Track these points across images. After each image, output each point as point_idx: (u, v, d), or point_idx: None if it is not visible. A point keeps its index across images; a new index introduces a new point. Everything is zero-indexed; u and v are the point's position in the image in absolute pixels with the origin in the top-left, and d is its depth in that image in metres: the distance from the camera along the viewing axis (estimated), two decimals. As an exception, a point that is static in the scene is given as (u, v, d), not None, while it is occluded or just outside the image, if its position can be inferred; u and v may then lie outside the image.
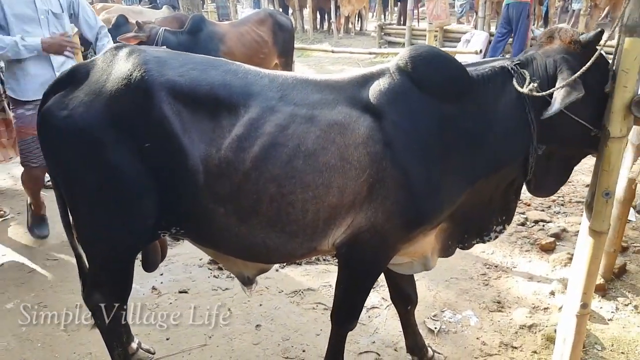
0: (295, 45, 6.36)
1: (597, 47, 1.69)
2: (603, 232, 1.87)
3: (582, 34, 1.71)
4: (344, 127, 1.65)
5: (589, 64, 1.59)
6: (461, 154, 1.71)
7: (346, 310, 1.98)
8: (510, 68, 1.74)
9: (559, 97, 1.61)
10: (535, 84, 1.66)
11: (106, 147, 1.65)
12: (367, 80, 1.75)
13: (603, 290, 2.89)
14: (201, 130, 1.64)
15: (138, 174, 1.67)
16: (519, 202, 3.94)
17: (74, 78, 1.73)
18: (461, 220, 1.87)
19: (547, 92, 1.65)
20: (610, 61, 1.73)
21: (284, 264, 3.12)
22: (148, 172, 1.67)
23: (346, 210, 1.70)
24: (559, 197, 4.12)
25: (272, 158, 1.63)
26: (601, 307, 2.78)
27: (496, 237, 1.95)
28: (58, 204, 1.93)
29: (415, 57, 1.72)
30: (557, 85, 1.64)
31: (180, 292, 2.93)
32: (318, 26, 13.52)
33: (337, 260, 1.95)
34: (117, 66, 1.69)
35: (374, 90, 1.70)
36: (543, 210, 3.92)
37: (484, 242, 1.96)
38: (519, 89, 1.66)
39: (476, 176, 1.75)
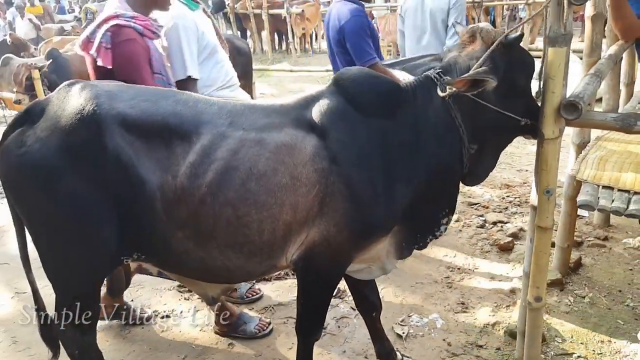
0: (255, 67, 6.47)
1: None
2: (548, 228, 2.00)
3: (503, 33, 1.81)
4: (292, 147, 1.75)
5: (489, 51, 1.72)
6: (401, 163, 1.82)
7: (309, 321, 2.06)
8: (432, 76, 1.85)
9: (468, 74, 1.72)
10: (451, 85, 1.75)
11: (63, 180, 1.70)
12: (308, 102, 1.85)
13: (561, 285, 3.03)
14: (156, 159, 1.71)
15: (96, 204, 1.72)
16: (478, 205, 4.15)
17: (30, 116, 1.78)
18: (410, 222, 1.96)
19: (460, 77, 1.72)
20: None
21: (253, 281, 3.17)
22: (106, 202, 1.72)
23: (300, 226, 1.79)
24: (516, 198, 4.30)
25: (226, 182, 1.70)
26: (559, 301, 2.91)
27: (445, 229, 2.04)
28: (17, 237, 1.98)
29: (345, 79, 1.85)
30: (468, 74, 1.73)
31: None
32: (276, 47, 13.71)
33: (294, 274, 2.02)
34: (70, 102, 1.74)
35: (316, 112, 1.81)
36: (501, 212, 4.08)
37: (436, 237, 2.05)
38: (440, 93, 1.77)
39: (418, 182, 1.86)
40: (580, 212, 3.66)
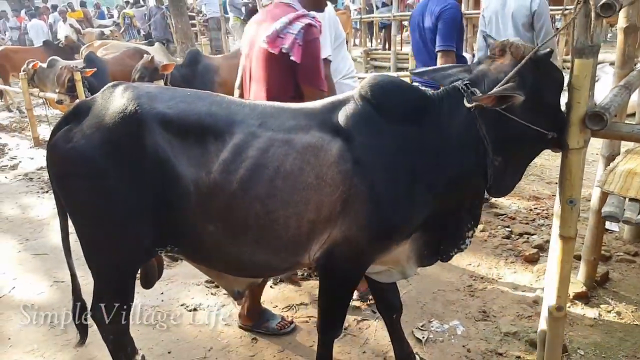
0: (285, 73, 6.59)
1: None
2: (571, 238, 2.01)
3: (533, 49, 1.83)
4: (318, 148, 1.82)
5: (518, 67, 1.75)
6: (423, 169, 1.86)
7: (329, 319, 2.12)
8: (460, 88, 1.89)
9: (495, 89, 1.76)
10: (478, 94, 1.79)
11: (105, 173, 1.82)
12: (335, 106, 1.93)
13: (586, 298, 3.00)
14: (191, 156, 1.81)
15: (135, 197, 1.83)
16: (504, 215, 4.14)
17: (77, 114, 1.91)
18: (432, 229, 2.00)
19: (487, 94, 1.76)
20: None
21: (277, 280, 3.26)
22: (144, 195, 1.83)
23: (323, 225, 1.86)
24: (543, 210, 4.27)
25: (255, 179, 1.79)
26: (584, 314, 2.89)
27: (470, 242, 2.07)
28: (61, 227, 2.11)
29: (372, 86, 1.90)
30: (495, 89, 1.78)
31: (179, 307, 3.06)
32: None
33: (317, 276, 2.09)
34: (113, 101, 1.86)
35: (342, 116, 1.88)
36: (527, 223, 4.06)
37: (461, 250, 2.08)
38: (467, 104, 1.82)
39: (439, 189, 1.89)
40: (610, 226, 3.64)
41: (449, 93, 1.93)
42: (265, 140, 1.82)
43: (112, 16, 18.97)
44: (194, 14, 13.88)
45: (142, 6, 16.11)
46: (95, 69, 5.84)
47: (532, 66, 1.80)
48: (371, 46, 11.94)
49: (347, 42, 12.00)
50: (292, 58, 2.29)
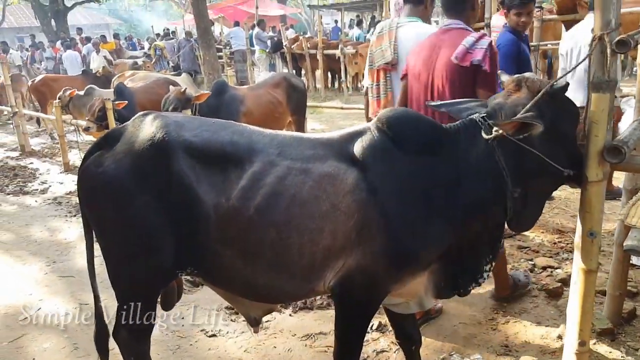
0: (308, 104, 6.73)
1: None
2: (592, 270, 2.00)
3: (548, 83, 1.86)
4: (334, 178, 1.87)
5: (536, 98, 1.79)
6: (440, 201, 1.88)
7: (345, 349, 2.10)
8: (477, 120, 1.93)
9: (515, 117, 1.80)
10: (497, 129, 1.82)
11: (132, 197, 1.91)
12: (352, 137, 1.98)
13: (612, 335, 2.93)
14: (212, 182, 1.88)
15: (159, 220, 1.91)
16: (527, 249, 4.09)
17: (109, 140, 2.03)
18: (450, 262, 2.00)
19: (509, 119, 1.80)
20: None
21: (297, 309, 3.27)
22: (168, 219, 1.91)
23: (338, 253, 1.88)
24: (568, 244, 4.20)
25: (272, 205, 1.85)
26: (610, 352, 2.82)
27: (487, 276, 2.07)
28: (87, 248, 2.19)
29: (389, 118, 1.95)
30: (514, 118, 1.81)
31: (199, 333, 3.09)
32: (329, 85, 14.09)
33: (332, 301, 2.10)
34: (143, 129, 1.97)
35: (358, 146, 1.93)
36: (551, 257, 3.99)
37: (479, 284, 2.08)
38: (485, 136, 1.85)
39: (456, 221, 1.91)
40: (637, 261, 3.57)
41: (467, 125, 1.96)
42: (283, 168, 1.88)
43: (142, 47, 19.63)
44: (221, 47, 14.29)
45: (172, 39, 16.67)
46: (127, 102, 6.03)
47: (548, 100, 1.83)
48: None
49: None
50: (484, 68, 2.64)
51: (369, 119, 3.69)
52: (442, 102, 2.30)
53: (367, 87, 3.52)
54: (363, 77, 13.33)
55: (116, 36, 20.28)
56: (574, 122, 1.93)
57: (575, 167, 1.88)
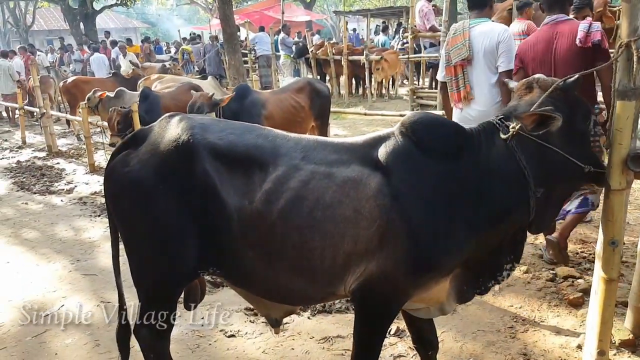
0: (332, 109, 6.75)
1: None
2: (612, 280, 1.98)
3: (559, 81, 1.87)
4: (357, 182, 1.88)
5: (547, 92, 1.81)
6: (463, 205, 1.88)
7: (363, 353, 2.10)
8: (495, 122, 1.94)
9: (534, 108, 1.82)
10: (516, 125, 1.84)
11: (157, 197, 1.95)
12: (376, 142, 1.99)
13: (633, 346, 2.87)
14: (236, 184, 1.91)
15: (183, 220, 1.95)
16: (549, 258, 4.03)
17: (135, 140, 2.07)
18: (473, 266, 1.99)
19: (527, 112, 1.82)
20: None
21: (315, 312, 3.28)
22: (191, 219, 1.94)
23: (359, 258, 1.89)
24: (590, 254, 4.13)
25: (295, 209, 1.87)
26: (631, 364, 2.78)
27: (508, 275, 2.05)
28: (112, 246, 2.24)
29: (413, 123, 1.96)
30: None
31: (218, 333, 3.12)
32: (353, 91, 14.10)
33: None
34: (169, 131, 2.01)
35: (382, 151, 1.93)
36: (573, 267, 3.93)
37: (498, 282, 2.07)
38: (503, 136, 1.86)
39: (481, 225, 1.90)
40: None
41: (485, 128, 1.97)
42: (307, 172, 1.90)
43: (169, 52, 19.91)
44: (246, 52, 14.45)
45: (198, 43, 16.91)
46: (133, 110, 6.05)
47: (561, 95, 1.84)
48: (418, 85, 12.07)
49: (396, 81, 12.06)
50: (602, 46, 3.22)
51: (449, 110, 4.13)
52: None
53: (445, 82, 4.12)
54: (389, 83, 13.29)
55: (147, 39, 20.46)
56: (587, 118, 1.92)
57: (594, 165, 1.87)
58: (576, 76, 1.90)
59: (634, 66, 1.74)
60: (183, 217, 1.94)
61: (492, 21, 4.03)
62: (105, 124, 6.75)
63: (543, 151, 1.84)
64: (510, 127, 1.84)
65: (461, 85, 3.94)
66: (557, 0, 3.51)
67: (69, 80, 10.40)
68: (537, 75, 1.95)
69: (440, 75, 4.28)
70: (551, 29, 3.47)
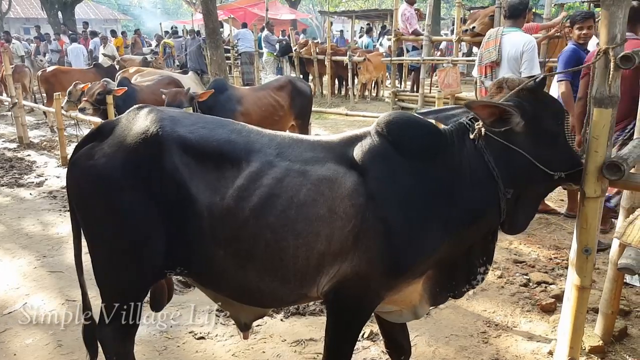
0: (313, 109, 6.70)
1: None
2: (585, 287, 1.98)
3: (528, 81, 1.88)
4: (332, 181, 1.84)
5: (513, 92, 1.81)
6: (437, 204, 1.87)
7: (335, 357, 2.07)
8: (465, 123, 1.93)
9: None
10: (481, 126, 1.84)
11: (123, 193, 1.87)
12: (352, 141, 1.95)
13: (602, 353, 2.89)
14: (207, 180, 1.85)
15: (150, 217, 1.87)
16: (523, 263, 4.05)
17: (101, 133, 1.98)
18: (445, 267, 1.98)
19: (478, 101, 1.85)
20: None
21: (288, 314, 3.23)
22: (158, 216, 1.87)
23: (333, 258, 1.85)
24: (564, 260, 4.17)
25: (268, 207, 1.81)
26: (600, 370, 2.79)
27: (482, 279, 2.04)
28: (74, 243, 2.16)
29: (388, 122, 1.94)
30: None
31: (187, 334, 3.04)
32: (336, 92, 14.08)
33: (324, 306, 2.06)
34: (137, 123, 1.93)
35: (358, 150, 1.90)
36: (546, 272, 3.96)
37: (473, 287, 2.05)
38: (470, 136, 1.86)
39: (454, 226, 1.88)
40: (630, 281, 3.54)
41: (457, 129, 1.96)
42: (281, 170, 1.85)
43: (150, 45, 19.61)
44: (229, 47, 14.30)
45: (180, 37, 16.69)
46: (126, 88, 5.95)
47: (528, 95, 1.84)
48: (400, 87, 12.12)
49: (380, 83, 12.15)
50: None
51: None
52: (430, 109, 2.29)
53: (477, 78, 4.99)
54: (371, 86, 13.37)
55: (137, 31, 20.06)
56: (559, 119, 1.91)
57: (572, 168, 1.87)
58: (542, 76, 1.90)
59: (611, 73, 1.73)
60: (149, 213, 1.86)
61: (522, 31, 4.70)
62: (79, 115, 6.58)
63: (510, 152, 1.84)
64: (476, 125, 1.82)
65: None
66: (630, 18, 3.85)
67: (49, 69, 10.16)
68: (507, 76, 1.96)
69: (474, 72, 5.22)
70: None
